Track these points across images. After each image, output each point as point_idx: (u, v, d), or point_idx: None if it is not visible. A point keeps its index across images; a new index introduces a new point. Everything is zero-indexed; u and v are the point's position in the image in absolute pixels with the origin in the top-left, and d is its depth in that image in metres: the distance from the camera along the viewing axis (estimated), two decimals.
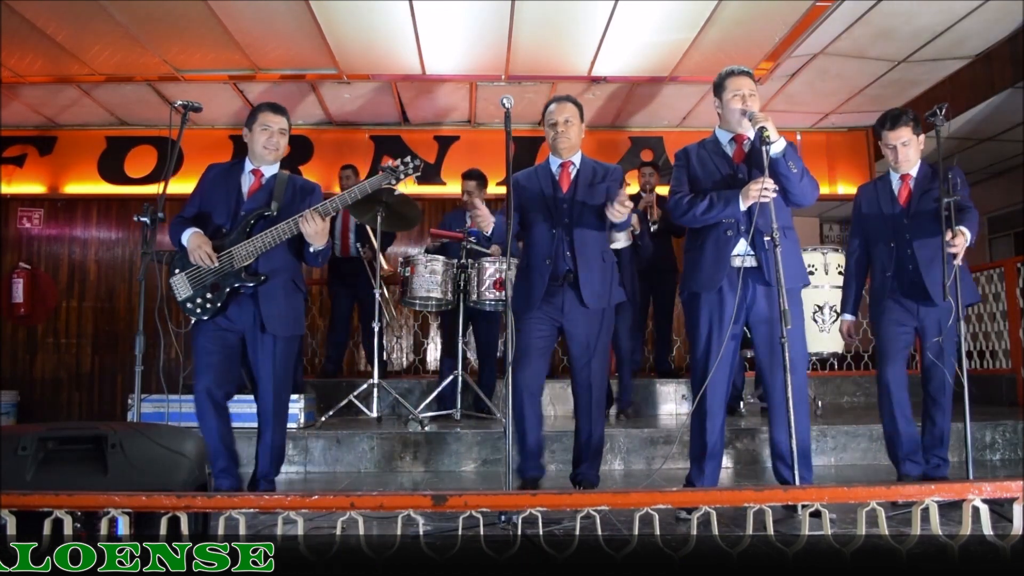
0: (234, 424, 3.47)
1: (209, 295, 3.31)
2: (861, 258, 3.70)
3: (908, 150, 3.43)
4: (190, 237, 3.30)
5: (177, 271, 3.35)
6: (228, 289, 3.30)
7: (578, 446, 3.53)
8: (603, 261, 3.46)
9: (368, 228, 5.24)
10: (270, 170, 3.49)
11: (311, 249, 3.36)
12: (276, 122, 3.44)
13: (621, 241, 5.15)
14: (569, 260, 3.38)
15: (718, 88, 3.27)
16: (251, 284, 3.31)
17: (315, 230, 3.25)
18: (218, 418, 3.32)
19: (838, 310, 5.17)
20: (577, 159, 3.54)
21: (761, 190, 2.97)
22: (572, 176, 3.50)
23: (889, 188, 3.54)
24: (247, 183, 3.46)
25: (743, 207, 3.08)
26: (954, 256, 3.15)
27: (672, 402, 6.15)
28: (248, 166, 3.48)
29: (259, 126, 3.43)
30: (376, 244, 5.20)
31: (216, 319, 3.33)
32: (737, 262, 3.14)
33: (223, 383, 3.36)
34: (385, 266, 5.32)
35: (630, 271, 5.43)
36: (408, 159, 3.37)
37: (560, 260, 3.38)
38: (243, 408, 3.83)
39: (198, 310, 3.32)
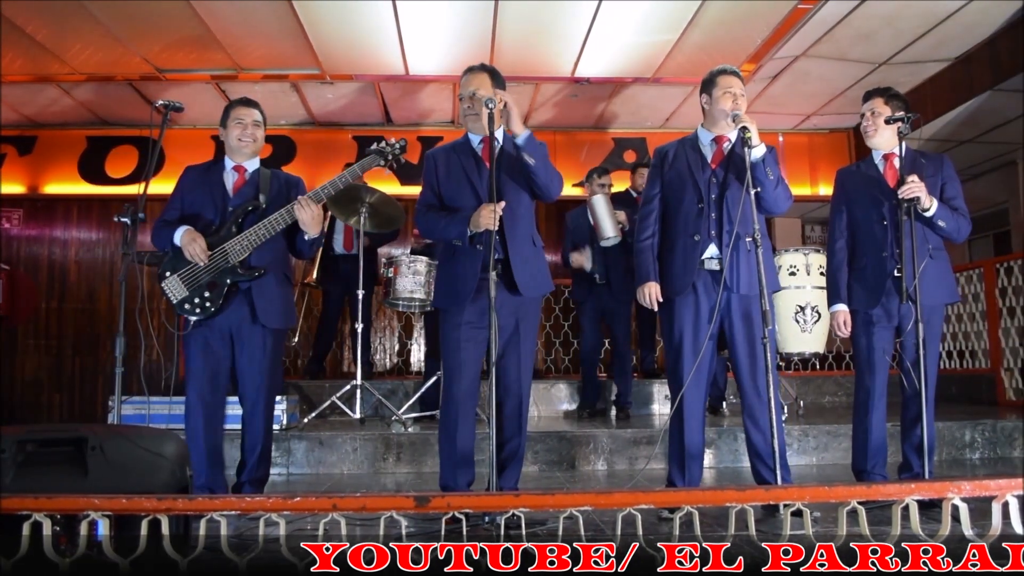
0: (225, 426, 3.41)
1: (208, 294, 3.26)
2: (847, 241, 3.54)
3: (878, 120, 3.36)
4: (182, 235, 3.25)
5: (168, 273, 3.27)
6: (226, 286, 3.27)
7: (500, 458, 3.06)
8: (533, 245, 3.20)
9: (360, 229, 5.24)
10: (251, 165, 3.48)
11: (305, 237, 3.37)
12: (248, 115, 3.43)
13: (611, 240, 5.16)
14: (499, 244, 2.99)
15: (708, 84, 3.28)
16: (248, 278, 3.29)
17: (311, 216, 3.29)
18: (207, 427, 3.26)
19: (820, 311, 5.23)
20: (499, 133, 3.16)
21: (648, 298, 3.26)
22: (497, 151, 3.15)
23: (874, 168, 3.45)
24: (231, 180, 3.43)
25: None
26: (908, 197, 3.11)
27: (656, 402, 6.17)
28: (229, 164, 3.45)
29: (232, 121, 3.42)
30: (361, 244, 5.22)
31: (213, 319, 3.27)
32: (712, 264, 3.19)
33: (218, 387, 3.32)
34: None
35: (622, 269, 5.40)
36: (392, 140, 3.43)
37: (489, 244, 2.97)
38: (235, 409, 3.59)
39: (197, 310, 3.25)
